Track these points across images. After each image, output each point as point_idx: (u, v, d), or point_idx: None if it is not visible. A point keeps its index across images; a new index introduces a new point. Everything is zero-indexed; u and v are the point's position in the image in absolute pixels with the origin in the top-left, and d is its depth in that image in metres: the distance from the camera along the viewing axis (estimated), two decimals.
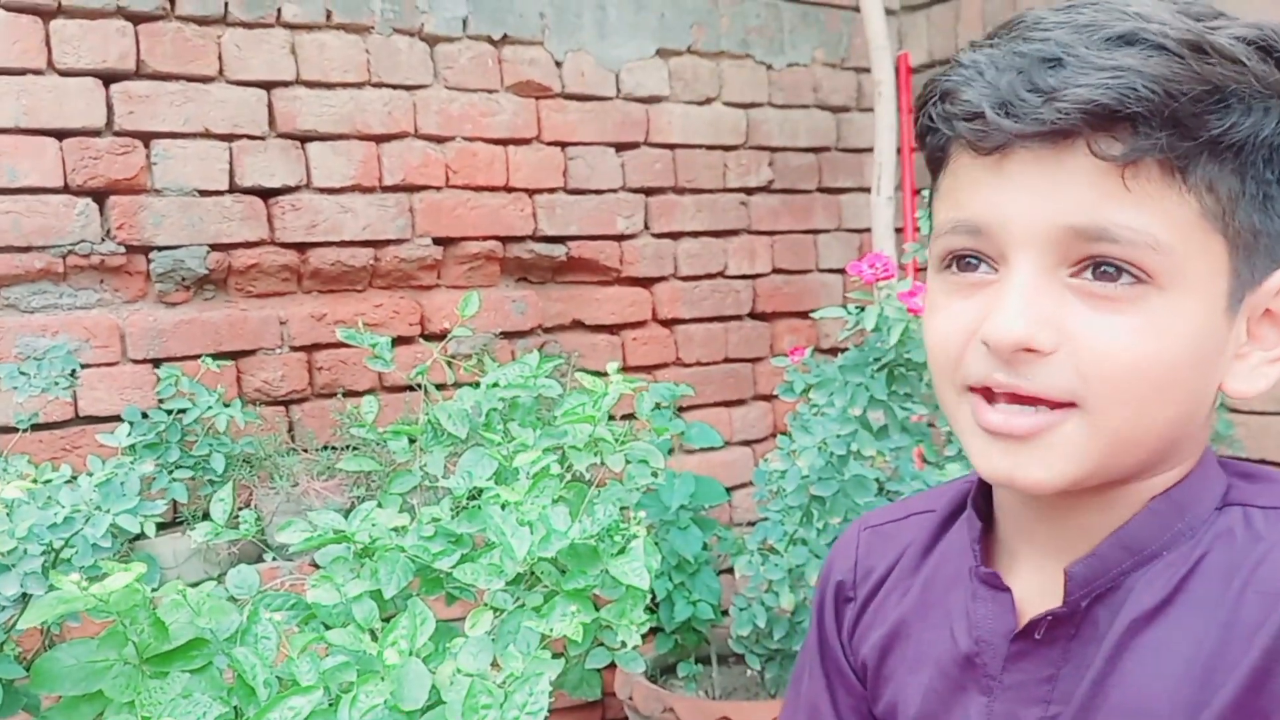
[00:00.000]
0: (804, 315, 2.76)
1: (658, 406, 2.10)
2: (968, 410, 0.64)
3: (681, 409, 2.51)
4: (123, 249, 1.96)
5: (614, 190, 2.50)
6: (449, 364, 1.80)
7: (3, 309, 1.89)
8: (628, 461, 1.49)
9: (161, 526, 1.78)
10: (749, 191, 2.72)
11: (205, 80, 2.02)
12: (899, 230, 2.68)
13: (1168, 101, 0.56)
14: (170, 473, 1.86)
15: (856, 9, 2.63)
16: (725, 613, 2.13)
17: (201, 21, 2.01)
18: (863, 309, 1.79)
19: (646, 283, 2.57)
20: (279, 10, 2.08)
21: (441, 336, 1.90)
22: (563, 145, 2.42)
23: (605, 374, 1.54)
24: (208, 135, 2.02)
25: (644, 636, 1.32)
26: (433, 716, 1.12)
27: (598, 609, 1.29)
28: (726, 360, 2.70)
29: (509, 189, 2.35)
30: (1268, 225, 0.61)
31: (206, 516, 1.43)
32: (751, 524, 2.45)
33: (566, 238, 2.43)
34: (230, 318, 2.08)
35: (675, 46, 2.57)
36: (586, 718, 2.34)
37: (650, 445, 1.50)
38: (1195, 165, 0.58)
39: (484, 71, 2.31)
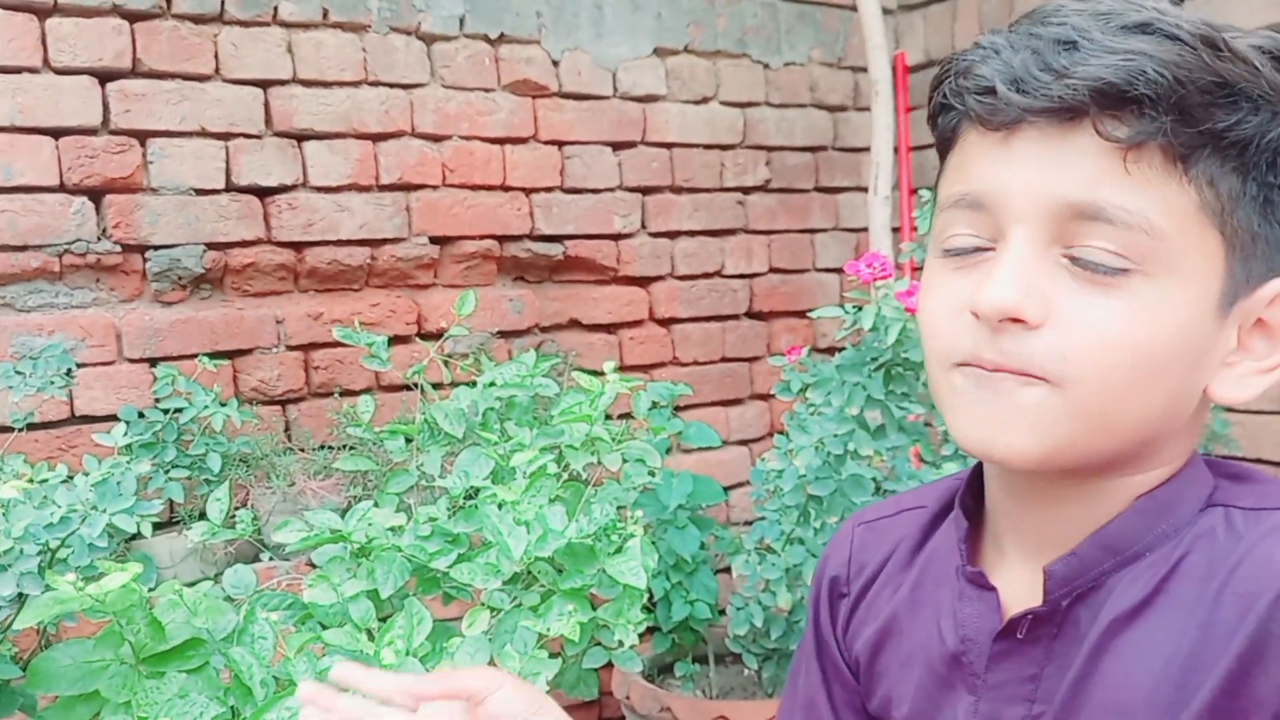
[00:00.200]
0: (801, 315, 2.76)
1: (655, 406, 2.10)
2: (950, 383, 0.64)
3: (678, 408, 2.51)
4: (119, 248, 1.96)
5: (611, 189, 2.50)
6: (446, 363, 1.80)
7: None
8: (625, 461, 1.49)
9: (158, 526, 1.78)
10: (746, 191, 2.72)
11: (201, 79, 2.02)
12: (896, 229, 2.69)
13: (1176, 87, 0.57)
14: (167, 472, 1.86)
15: (853, 8, 2.63)
16: (722, 612, 2.13)
17: (198, 20, 2.01)
18: (860, 308, 1.79)
19: (643, 282, 2.57)
20: (275, 8, 2.08)
21: (438, 336, 1.90)
22: (559, 144, 2.42)
23: (602, 373, 1.54)
24: (204, 134, 2.02)
25: (641, 636, 1.32)
26: None
27: (595, 608, 1.29)
28: (724, 360, 2.70)
29: (506, 188, 2.35)
30: (1267, 230, 0.62)
31: (203, 516, 1.43)
32: (749, 523, 2.45)
33: (563, 237, 2.43)
34: (227, 317, 2.07)
35: (672, 45, 2.57)
36: (584, 717, 2.34)
37: (647, 444, 1.50)
38: (1198, 157, 0.59)
39: (481, 70, 2.31)
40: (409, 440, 1.61)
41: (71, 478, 1.42)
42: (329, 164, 2.14)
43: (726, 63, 2.66)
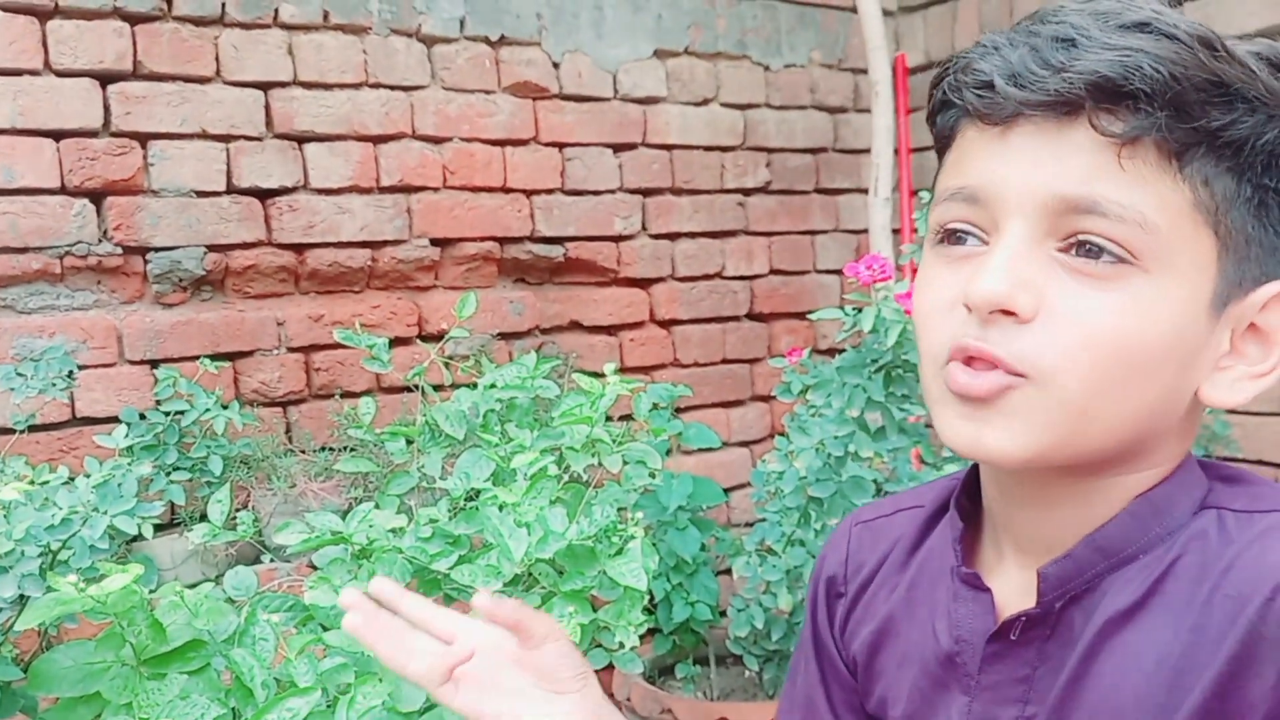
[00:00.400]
0: (801, 316, 2.77)
1: (655, 407, 2.10)
2: (941, 379, 0.64)
3: (679, 410, 2.51)
4: (120, 250, 1.96)
5: (611, 191, 2.50)
6: (446, 365, 1.80)
7: (0, 310, 1.89)
8: (625, 462, 1.49)
9: (159, 528, 1.78)
10: (746, 192, 2.72)
11: (202, 81, 2.02)
12: (896, 231, 2.69)
13: (1171, 84, 0.58)
14: (168, 474, 1.86)
15: (853, 10, 2.63)
16: (723, 614, 2.13)
17: (198, 22, 2.01)
18: (860, 310, 1.79)
19: (644, 283, 2.57)
20: (276, 11, 2.08)
21: (439, 337, 1.90)
22: (560, 146, 2.42)
23: (603, 375, 1.54)
24: (205, 136, 2.02)
25: (642, 638, 1.32)
26: (431, 718, 1.12)
27: (595, 610, 1.29)
28: (724, 361, 2.70)
29: (506, 190, 2.35)
30: (1261, 234, 0.62)
31: (204, 518, 1.43)
32: (749, 525, 2.45)
33: (564, 238, 2.43)
34: (227, 319, 2.07)
35: (672, 47, 2.58)
36: None
37: (648, 446, 1.50)
38: (1193, 155, 0.59)
39: (481, 72, 2.31)
40: (410, 442, 1.61)
41: (73, 479, 1.42)
42: (330, 166, 2.14)
43: (727, 64, 2.67)
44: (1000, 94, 0.61)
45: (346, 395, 2.18)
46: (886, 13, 2.73)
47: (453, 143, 2.28)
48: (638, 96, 2.53)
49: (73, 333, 1.93)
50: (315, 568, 1.33)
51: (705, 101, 2.64)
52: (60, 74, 1.89)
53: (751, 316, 2.76)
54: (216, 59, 2.03)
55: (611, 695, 2.12)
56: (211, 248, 2.04)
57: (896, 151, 2.61)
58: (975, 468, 0.74)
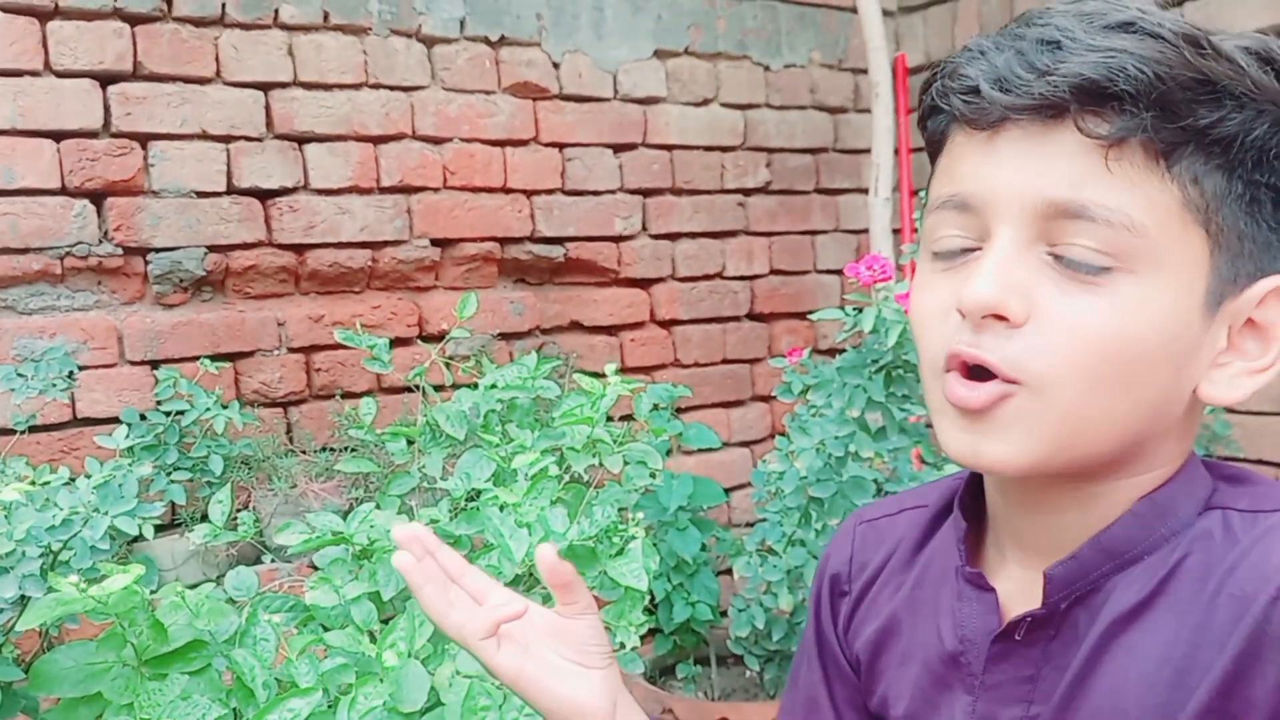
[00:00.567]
0: (802, 316, 2.77)
1: (656, 407, 2.10)
2: (940, 389, 0.65)
3: (680, 410, 2.51)
4: (120, 250, 1.96)
5: (612, 191, 2.50)
6: (447, 365, 1.80)
7: (0, 310, 1.89)
8: (626, 462, 1.49)
9: (160, 528, 1.78)
10: (747, 192, 2.72)
11: (202, 81, 2.02)
12: (896, 231, 2.69)
13: (1156, 84, 0.57)
14: (168, 474, 1.86)
15: (853, 10, 2.63)
16: (724, 614, 2.13)
17: (199, 23, 2.01)
18: (860, 310, 1.79)
19: (644, 284, 2.57)
20: (276, 11, 2.08)
21: (439, 338, 1.90)
22: (560, 146, 2.42)
23: (603, 375, 1.54)
24: (205, 136, 2.02)
25: (642, 638, 1.32)
26: (432, 718, 1.12)
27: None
28: (725, 361, 2.70)
29: (506, 190, 2.35)
30: (1253, 229, 0.62)
31: (205, 518, 1.43)
32: (750, 525, 2.45)
33: (564, 239, 2.43)
34: (228, 319, 2.08)
35: (672, 47, 2.58)
36: None
37: (648, 446, 1.50)
38: (1180, 154, 0.59)
39: (481, 72, 2.31)
40: (410, 442, 1.61)
41: (73, 480, 1.42)
42: (330, 166, 2.14)
43: (727, 64, 2.67)
44: (986, 99, 0.61)
45: (347, 395, 2.18)
46: (886, 13, 2.73)
47: (453, 143, 2.28)
48: (638, 97, 2.53)
49: (73, 333, 1.93)
50: (316, 568, 1.34)
51: (705, 102, 2.64)
52: (60, 75, 1.89)
53: (752, 317, 2.76)
54: (217, 59, 2.03)
55: None
56: (212, 248, 2.04)
57: (897, 151, 2.61)
58: None
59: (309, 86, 2.12)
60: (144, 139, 1.97)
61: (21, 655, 1.43)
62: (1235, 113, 0.59)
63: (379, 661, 1.14)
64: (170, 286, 2.02)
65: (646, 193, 2.56)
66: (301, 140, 2.12)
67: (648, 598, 1.33)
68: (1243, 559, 0.60)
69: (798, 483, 1.80)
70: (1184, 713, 0.59)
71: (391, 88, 2.21)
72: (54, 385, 1.82)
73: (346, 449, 2.04)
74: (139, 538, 1.39)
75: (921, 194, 2.00)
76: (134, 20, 1.95)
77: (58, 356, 1.85)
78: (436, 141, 2.26)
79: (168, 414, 1.92)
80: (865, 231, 2.69)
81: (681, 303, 2.62)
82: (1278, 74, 0.60)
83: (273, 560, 1.87)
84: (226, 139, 2.04)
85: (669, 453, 2.46)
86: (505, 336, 2.37)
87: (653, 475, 1.50)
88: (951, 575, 0.73)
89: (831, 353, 2.64)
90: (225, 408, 1.92)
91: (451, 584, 0.77)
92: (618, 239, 2.51)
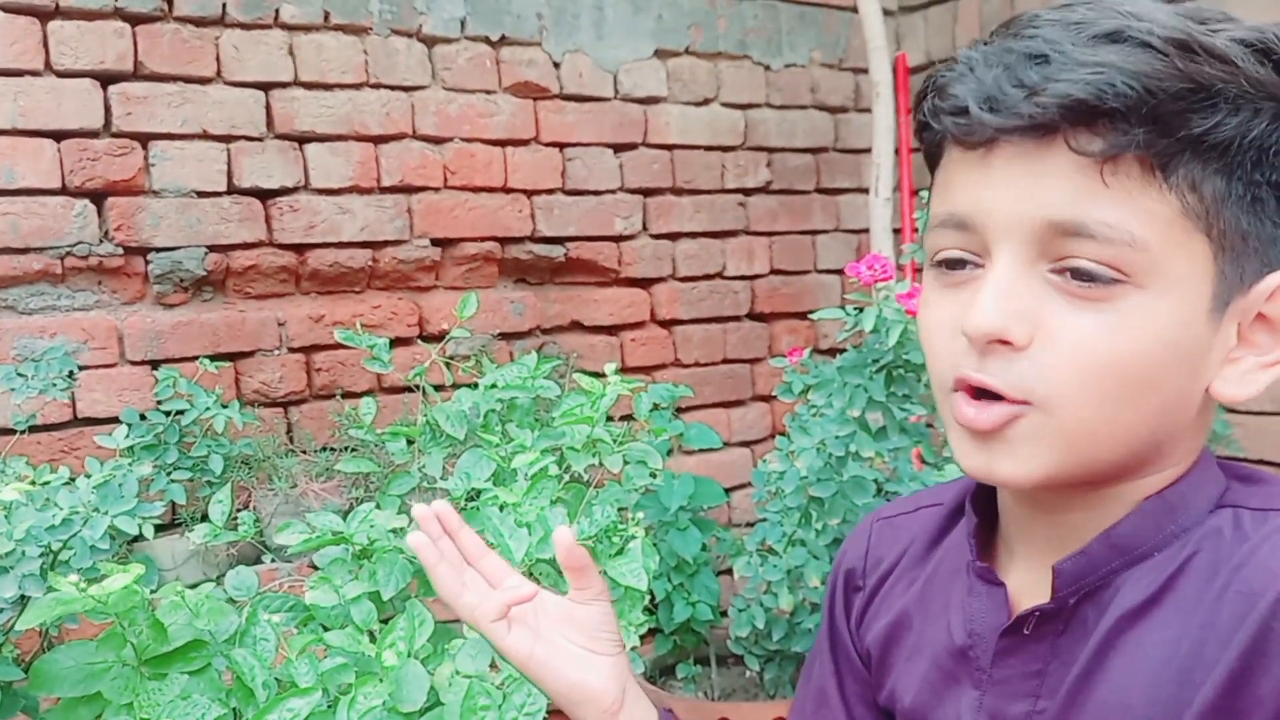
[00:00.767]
0: (802, 316, 2.76)
1: (656, 407, 2.10)
2: (950, 407, 0.65)
3: (680, 410, 2.51)
4: (121, 250, 1.96)
5: (612, 191, 2.50)
6: (447, 365, 1.80)
7: (1, 310, 1.89)
8: (626, 462, 1.49)
9: (160, 528, 1.78)
10: (747, 192, 2.72)
11: (203, 81, 2.02)
12: (897, 231, 2.69)
13: (1146, 98, 0.56)
14: (168, 474, 1.86)
15: (854, 10, 2.63)
16: (724, 614, 2.13)
17: (199, 22, 2.01)
18: (861, 310, 1.79)
19: (645, 283, 2.57)
20: (277, 11, 2.08)
21: (440, 338, 1.90)
22: (561, 146, 2.42)
23: (603, 375, 1.54)
24: (206, 136, 2.02)
25: (642, 638, 1.32)
26: (431, 718, 1.12)
27: None
28: (725, 361, 2.70)
29: (507, 190, 2.35)
30: (1257, 227, 0.61)
31: (205, 518, 1.43)
32: (750, 525, 2.45)
33: (565, 239, 2.43)
34: (228, 319, 2.08)
35: (673, 47, 2.58)
36: None
37: (648, 446, 1.50)
38: (1177, 164, 0.58)
39: (482, 72, 2.31)
40: (410, 442, 1.61)
41: (73, 480, 1.42)
42: (330, 166, 2.14)
43: (727, 64, 2.67)
44: (976, 120, 0.60)
45: (347, 395, 2.18)
46: (887, 12, 2.73)
47: (453, 143, 2.28)
48: (638, 96, 2.52)
49: (74, 333, 1.93)
50: (316, 568, 1.34)
51: (706, 101, 2.64)
52: (61, 74, 1.89)
53: (752, 316, 2.76)
54: (217, 59, 2.03)
55: None
56: (212, 248, 2.04)
57: (897, 151, 2.61)
58: None
59: (310, 86, 2.12)
60: (144, 139, 1.97)
61: (21, 655, 1.43)
62: (1231, 116, 0.58)
63: (379, 661, 1.14)
64: (171, 286, 2.02)
65: (647, 192, 2.56)
66: (302, 140, 2.12)
67: (648, 597, 1.33)
68: (1251, 556, 0.61)
69: (798, 483, 1.80)
70: (1190, 709, 0.59)
71: (392, 87, 2.21)
72: (54, 385, 1.82)
73: (347, 449, 2.04)
74: (139, 537, 1.39)
75: (922, 194, 1.99)
76: (135, 20, 1.95)
77: (58, 356, 1.85)
78: (437, 141, 2.26)
79: (168, 414, 1.92)
80: (866, 231, 2.69)
81: (682, 302, 2.62)
82: (1277, 66, 0.59)
83: (273, 560, 1.87)
84: (227, 139, 2.04)
85: (669, 452, 2.45)
86: (505, 336, 2.37)
87: (653, 475, 1.50)
88: (962, 570, 0.73)
89: (832, 352, 2.64)
90: (225, 407, 1.92)
91: (466, 566, 0.78)
92: (618, 239, 2.51)
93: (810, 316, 1.96)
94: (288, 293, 2.15)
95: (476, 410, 1.61)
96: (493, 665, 1.19)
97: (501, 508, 1.30)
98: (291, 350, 2.15)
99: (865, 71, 2.65)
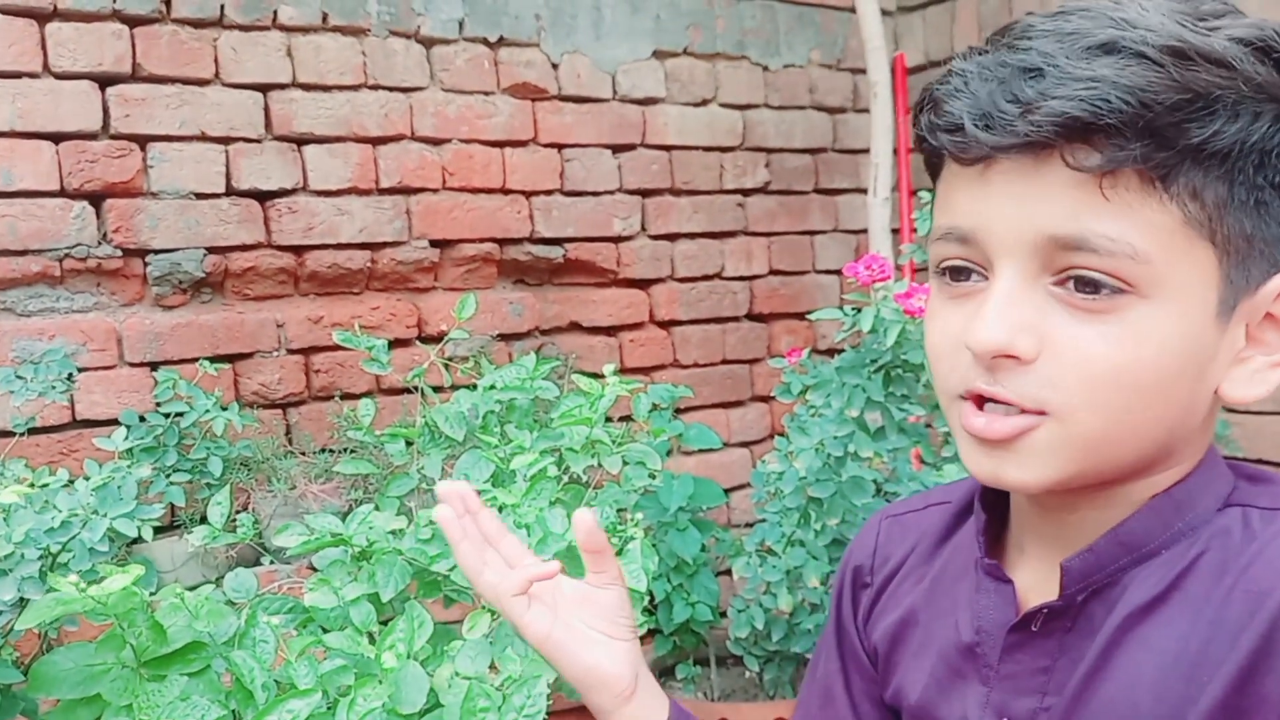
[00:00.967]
0: (801, 316, 2.77)
1: (655, 408, 2.10)
2: (957, 414, 0.65)
3: (679, 410, 2.51)
4: (119, 252, 1.96)
5: (611, 192, 2.50)
6: (446, 366, 1.80)
7: (0, 312, 1.89)
8: (625, 463, 1.49)
9: (159, 530, 1.78)
10: (746, 193, 2.72)
11: (201, 83, 2.02)
12: (895, 231, 2.69)
13: (1142, 112, 0.56)
14: (168, 476, 1.86)
15: (852, 10, 2.63)
16: (723, 614, 2.13)
17: (197, 24, 2.01)
18: (859, 310, 1.79)
19: (644, 284, 2.57)
20: (275, 13, 2.08)
21: (438, 339, 1.90)
22: (559, 147, 2.42)
23: (602, 376, 1.54)
24: (204, 138, 2.02)
25: (642, 639, 1.32)
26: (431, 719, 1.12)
27: None
28: (724, 361, 2.70)
29: (506, 191, 2.35)
30: (1262, 230, 0.61)
31: (204, 520, 1.42)
32: (749, 525, 2.45)
33: (563, 239, 2.43)
34: (227, 320, 2.08)
35: (671, 48, 2.58)
36: None
37: (648, 447, 1.50)
38: (1176, 174, 0.58)
39: (480, 73, 2.31)
40: (409, 443, 1.61)
41: (72, 482, 1.42)
42: (329, 167, 2.14)
43: (726, 65, 2.67)
44: (970, 137, 0.60)
45: (346, 397, 2.18)
46: (885, 12, 2.73)
47: (452, 144, 2.28)
48: (637, 97, 2.53)
49: (72, 335, 1.93)
50: (315, 570, 1.33)
51: (704, 102, 2.64)
52: (59, 76, 1.89)
53: (751, 317, 2.76)
54: (215, 61, 2.03)
55: None
56: (211, 250, 2.04)
57: (896, 151, 2.61)
58: None
59: (308, 88, 2.12)
60: (143, 140, 1.97)
61: (21, 657, 1.43)
62: (1230, 123, 0.57)
63: (378, 663, 1.14)
64: (169, 288, 2.02)
65: (645, 193, 2.56)
66: (300, 141, 2.12)
67: (647, 598, 1.34)
68: (1259, 556, 0.61)
69: (797, 483, 1.80)
70: (1196, 707, 0.59)
71: (390, 89, 2.21)
72: (53, 387, 1.82)
73: (345, 450, 2.04)
74: (138, 539, 1.39)
75: (921, 194, 1.99)
76: (133, 22, 1.95)
77: (57, 358, 1.85)
78: (435, 142, 2.26)
79: (167, 416, 1.92)
80: (864, 231, 2.69)
81: (681, 303, 2.62)
82: (1277, 65, 0.59)
83: (272, 562, 1.87)
84: (225, 140, 2.04)
85: (668, 453, 2.45)
86: (504, 337, 2.37)
87: (652, 476, 1.50)
88: (971, 568, 0.74)
89: (830, 353, 2.64)
90: (224, 409, 1.92)
91: (488, 546, 0.79)
92: (617, 239, 2.51)
93: (809, 317, 1.96)
94: (286, 294, 2.15)
95: (475, 411, 1.61)
96: (492, 667, 1.19)
97: (501, 509, 1.30)
98: (290, 352, 2.15)
99: (863, 72, 2.66)
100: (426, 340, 2.24)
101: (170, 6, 1.98)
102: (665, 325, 2.61)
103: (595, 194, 2.48)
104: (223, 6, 2.03)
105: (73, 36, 1.89)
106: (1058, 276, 0.60)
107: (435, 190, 2.27)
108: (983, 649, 0.70)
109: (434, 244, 2.27)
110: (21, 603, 1.30)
